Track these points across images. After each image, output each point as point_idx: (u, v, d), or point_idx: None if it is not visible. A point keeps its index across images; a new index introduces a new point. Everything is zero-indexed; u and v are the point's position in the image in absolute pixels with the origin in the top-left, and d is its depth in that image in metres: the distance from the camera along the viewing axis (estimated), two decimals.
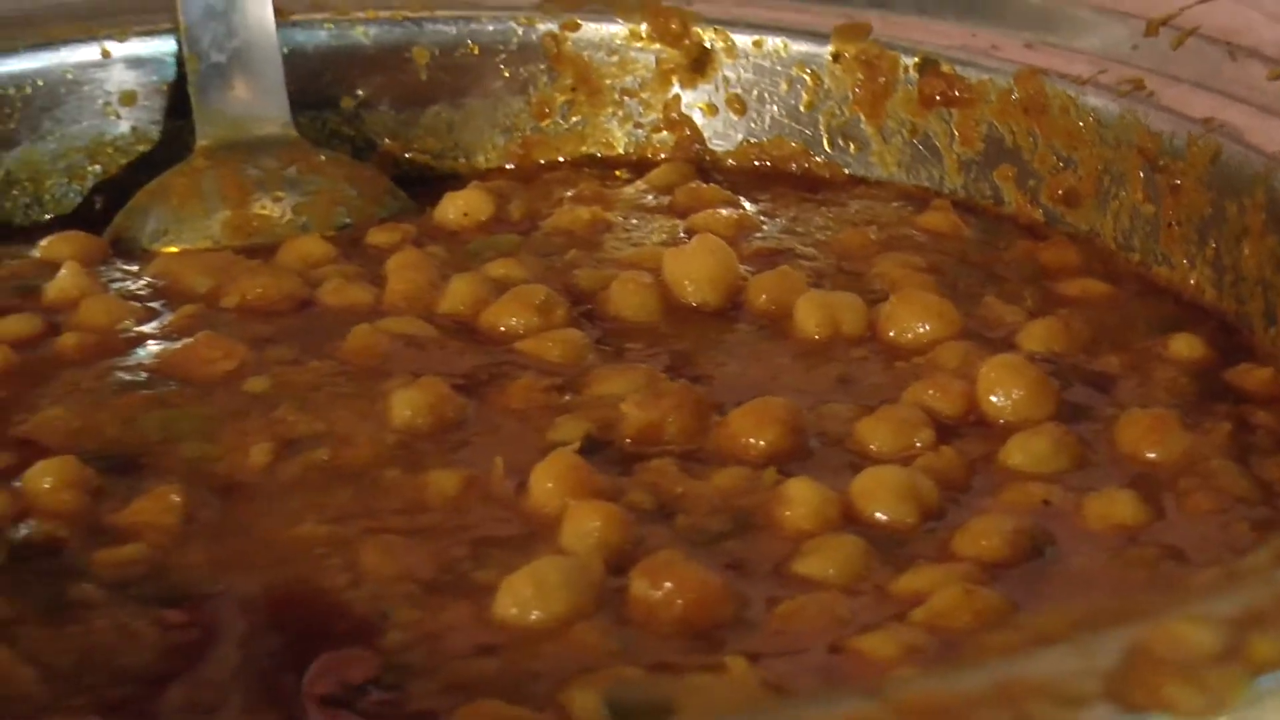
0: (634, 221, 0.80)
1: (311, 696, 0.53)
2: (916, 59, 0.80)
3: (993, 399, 0.66)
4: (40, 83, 0.80)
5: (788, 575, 0.58)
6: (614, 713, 0.43)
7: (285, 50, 0.81)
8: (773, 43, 0.82)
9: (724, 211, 0.80)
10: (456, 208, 0.80)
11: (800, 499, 0.60)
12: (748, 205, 0.80)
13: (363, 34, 0.83)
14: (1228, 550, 0.59)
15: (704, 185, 0.82)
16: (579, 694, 0.45)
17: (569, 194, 0.82)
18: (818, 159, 0.82)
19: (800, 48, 0.82)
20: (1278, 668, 0.41)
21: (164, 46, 0.81)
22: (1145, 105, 0.75)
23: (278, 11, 0.81)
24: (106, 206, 0.81)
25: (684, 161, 0.84)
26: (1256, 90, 0.73)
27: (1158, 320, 0.73)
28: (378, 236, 0.79)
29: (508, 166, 0.86)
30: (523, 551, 0.58)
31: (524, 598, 0.55)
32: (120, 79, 0.81)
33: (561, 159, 0.85)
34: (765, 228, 0.79)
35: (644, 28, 0.83)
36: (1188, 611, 0.43)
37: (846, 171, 0.82)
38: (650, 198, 0.82)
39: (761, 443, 0.64)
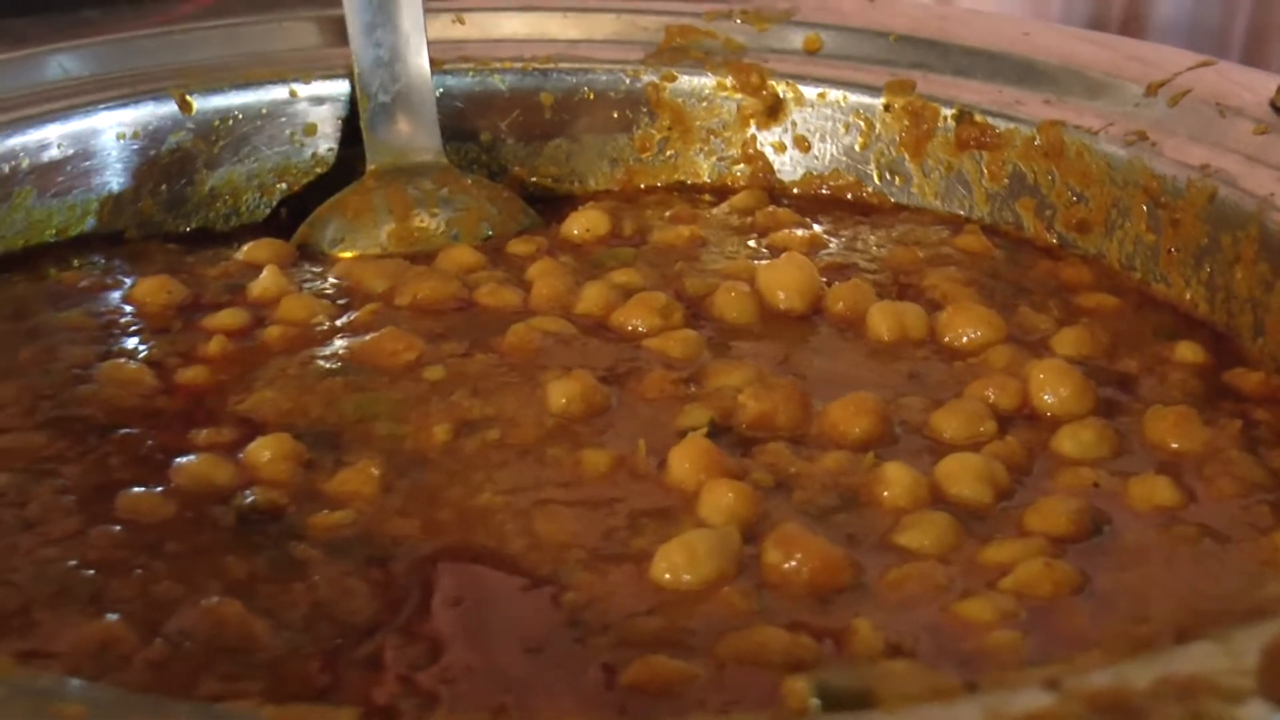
0: (723, 238, 0.75)
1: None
2: (954, 110, 0.76)
3: (1045, 396, 0.61)
4: (240, 116, 0.76)
5: (891, 546, 0.53)
6: (822, 697, 0.38)
7: (438, 93, 0.77)
8: (834, 94, 0.78)
9: (798, 232, 0.75)
10: (580, 224, 0.76)
11: (896, 480, 0.56)
12: (816, 227, 0.75)
13: (500, 81, 0.79)
14: (1253, 530, 0.54)
15: (779, 209, 0.78)
16: (791, 681, 0.39)
17: (667, 214, 0.78)
18: (868, 189, 0.78)
19: (857, 99, 0.78)
20: None
21: (340, 88, 0.77)
22: (1149, 153, 0.70)
23: (432, 62, 0.77)
24: (290, 217, 0.77)
25: (758, 189, 0.80)
26: (1244, 143, 0.69)
27: (1160, 328, 0.68)
28: (516, 247, 0.74)
29: (613, 190, 0.81)
30: (669, 521, 0.54)
31: (677, 564, 0.51)
32: (304, 114, 0.77)
33: (658, 184, 0.81)
34: (831, 245, 0.74)
35: (729, 80, 0.79)
36: None
37: (892, 200, 0.78)
38: (734, 219, 0.78)
39: (857, 430, 0.59)
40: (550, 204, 0.79)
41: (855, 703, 0.37)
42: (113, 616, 0.48)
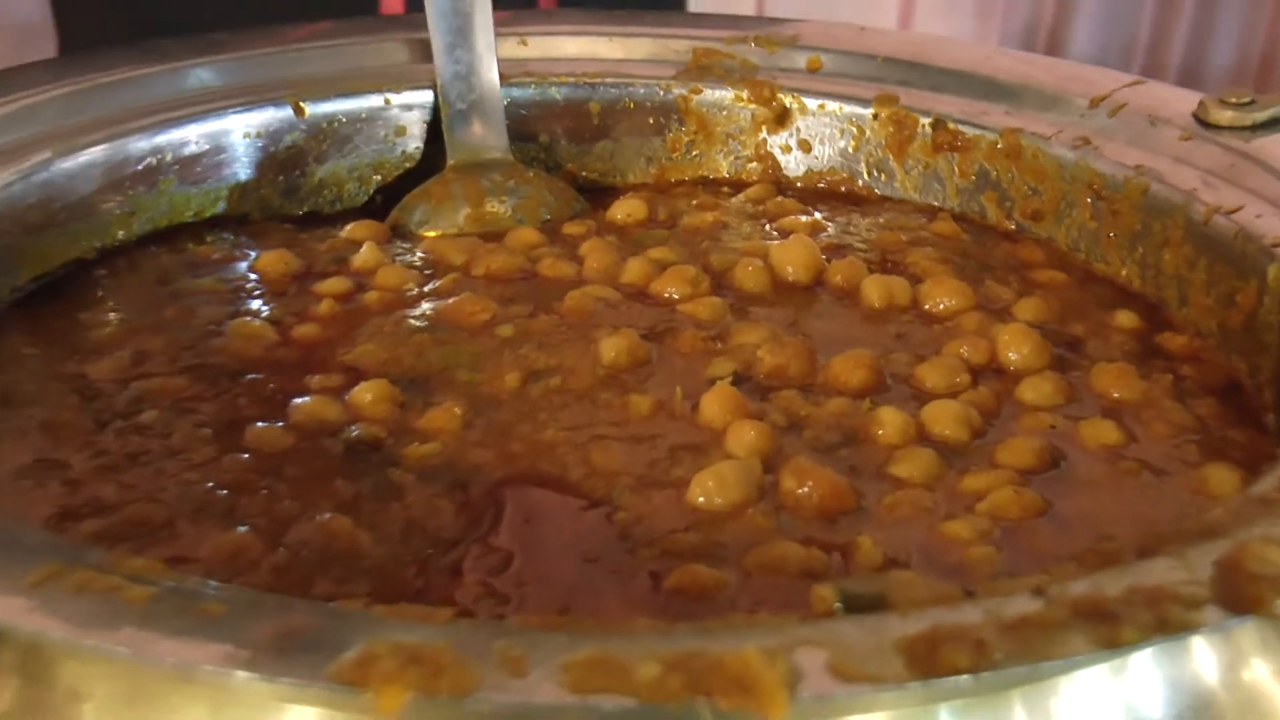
0: (740, 222, 0.73)
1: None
2: (931, 119, 0.74)
3: (1009, 354, 0.59)
4: (344, 119, 0.74)
5: (886, 476, 0.51)
6: (844, 602, 0.36)
7: (505, 102, 0.75)
8: (832, 105, 0.77)
9: (802, 218, 0.73)
10: (623, 210, 0.74)
11: (889, 421, 0.54)
12: (817, 214, 0.73)
13: (556, 92, 0.78)
14: (1184, 465, 0.53)
15: (786, 199, 0.76)
16: (818, 588, 0.38)
17: (694, 203, 0.76)
18: (859, 183, 0.76)
19: (850, 109, 0.76)
20: None
21: (425, 98, 0.75)
22: (1092, 155, 0.69)
23: (501, 77, 0.75)
24: (384, 202, 0.75)
25: (768, 183, 0.78)
26: (1172, 147, 0.67)
27: (1102, 300, 0.66)
28: (570, 229, 0.72)
29: (649, 182, 0.79)
30: (701, 454, 0.52)
31: (709, 489, 0.49)
32: (396, 118, 0.75)
33: (685, 179, 0.79)
34: (829, 229, 0.72)
35: (745, 94, 0.77)
36: (1262, 534, 0.36)
37: (879, 192, 0.76)
38: (749, 207, 0.76)
39: (855, 380, 0.57)
40: (597, 194, 0.77)
41: (873, 606, 0.35)
42: (243, 529, 0.47)
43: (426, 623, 0.32)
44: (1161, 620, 0.32)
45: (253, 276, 0.65)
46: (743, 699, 0.29)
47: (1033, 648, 0.31)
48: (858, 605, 0.36)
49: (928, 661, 0.31)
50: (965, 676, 0.31)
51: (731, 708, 0.29)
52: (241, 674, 0.31)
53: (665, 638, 0.31)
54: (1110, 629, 0.32)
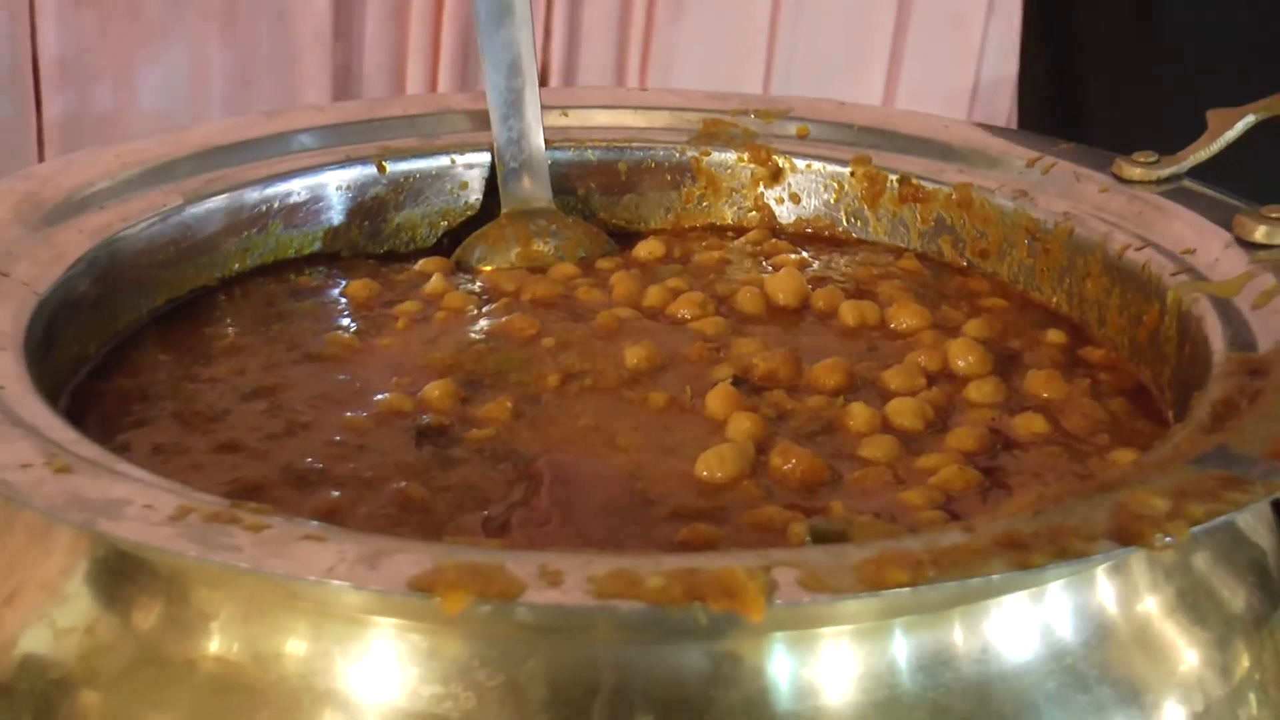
0: (741, 259, 0.75)
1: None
2: (898, 176, 0.76)
3: (959, 362, 0.61)
4: (418, 175, 0.76)
5: (855, 457, 0.53)
6: (813, 536, 0.38)
7: (550, 162, 0.77)
8: (817, 165, 0.78)
9: (792, 256, 0.75)
10: (645, 250, 0.76)
11: (859, 414, 0.56)
12: (804, 253, 0.75)
13: (591, 155, 0.79)
14: (1097, 449, 0.55)
15: (779, 241, 0.77)
16: (793, 526, 0.40)
17: (704, 244, 0.78)
18: (839, 229, 0.78)
19: (832, 168, 0.78)
20: (1205, 521, 0.35)
21: (484, 158, 0.77)
22: (1028, 204, 0.70)
23: (545, 142, 0.77)
24: (450, 243, 0.77)
25: (765, 228, 0.79)
26: (1092, 199, 0.69)
27: (1036, 321, 0.68)
28: (602, 264, 0.74)
29: (667, 228, 0.81)
30: (705, 439, 0.54)
31: (712, 466, 0.51)
32: (460, 175, 0.77)
33: (697, 225, 0.81)
34: (814, 265, 0.74)
35: (746, 156, 0.79)
36: (1144, 487, 0.38)
37: (855, 235, 0.77)
38: (748, 247, 0.77)
39: (832, 383, 0.59)
40: (624, 237, 0.79)
41: (836, 540, 0.37)
42: (335, 493, 0.49)
43: (482, 547, 0.35)
44: (1062, 549, 0.34)
45: (343, 300, 0.68)
46: (729, 603, 0.32)
47: (960, 568, 0.33)
48: (824, 539, 0.38)
49: (875, 577, 0.33)
50: (905, 590, 0.33)
51: (720, 609, 0.32)
52: (336, 583, 0.33)
53: (669, 559, 0.34)
54: (1022, 554, 0.34)
